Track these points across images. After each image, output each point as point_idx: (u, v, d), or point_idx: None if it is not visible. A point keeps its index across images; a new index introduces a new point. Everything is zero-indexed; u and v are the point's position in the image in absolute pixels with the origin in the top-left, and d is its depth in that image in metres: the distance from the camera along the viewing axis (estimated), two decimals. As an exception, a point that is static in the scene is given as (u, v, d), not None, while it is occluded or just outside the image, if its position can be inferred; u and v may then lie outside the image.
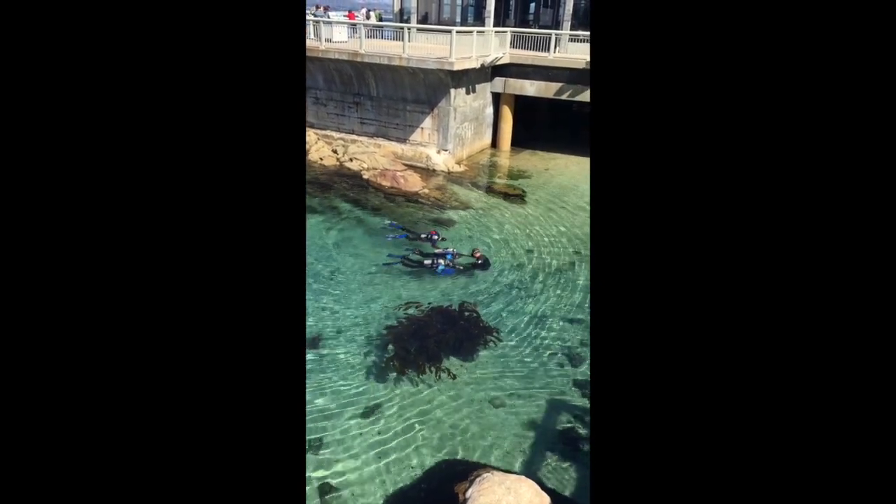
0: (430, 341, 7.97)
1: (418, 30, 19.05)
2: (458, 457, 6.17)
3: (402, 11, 22.43)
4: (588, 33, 17.37)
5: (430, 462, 6.08)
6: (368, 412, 6.70)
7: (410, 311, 8.80)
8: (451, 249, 10.56)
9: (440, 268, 10.04)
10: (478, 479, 5.42)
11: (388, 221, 12.31)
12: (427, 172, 16.37)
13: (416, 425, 6.57)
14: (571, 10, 19.06)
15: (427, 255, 10.36)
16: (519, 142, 19.37)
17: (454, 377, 7.36)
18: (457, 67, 14.90)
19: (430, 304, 9.05)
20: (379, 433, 6.41)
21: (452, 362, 7.70)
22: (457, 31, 14.85)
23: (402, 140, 17.55)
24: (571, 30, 18.73)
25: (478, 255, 10.56)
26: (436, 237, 11.12)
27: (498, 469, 5.84)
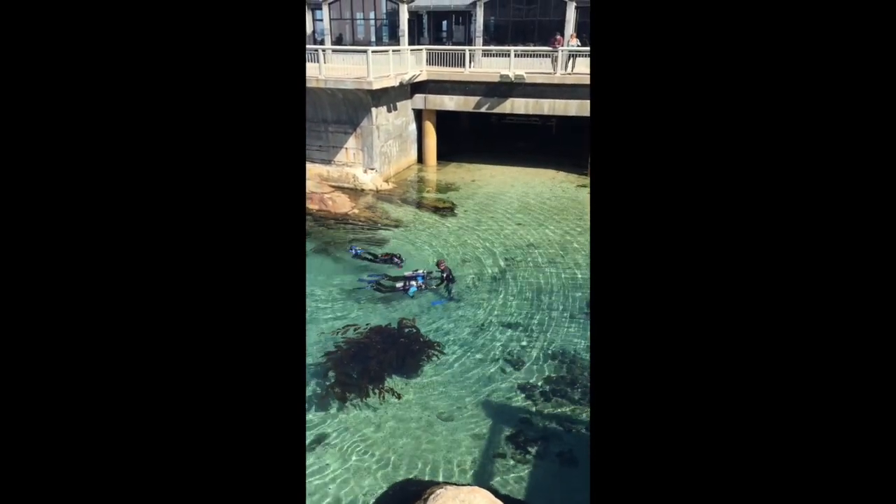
0: (371, 363, 7.82)
1: (333, 51, 18.94)
2: (411, 477, 6.06)
3: (315, 33, 22.24)
4: (499, 48, 18.07)
5: (381, 487, 5.93)
6: (313, 445, 6.44)
7: (349, 333, 8.61)
8: (420, 271, 10.18)
9: (412, 290, 9.77)
10: (431, 497, 5.35)
11: (351, 248, 11.44)
12: (355, 192, 16.19)
13: (365, 451, 6.39)
14: (482, 26, 19.76)
15: (398, 279, 10.03)
16: (444, 155, 19.66)
17: (399, 396, 7.25)
18: (376, 86, 14.93)
19: (367, 325, 8.90)
20: (327, 464, 6.17)
21: (396, 381, 7.60)
22: (373, 51, 14.91)
23: (327, 161, 17.26)
24: (484, 45, 19.39)
25: (443, 266, 10.23)
26: (398, 261, 10.79)
27: (451, 483, 5.80)
